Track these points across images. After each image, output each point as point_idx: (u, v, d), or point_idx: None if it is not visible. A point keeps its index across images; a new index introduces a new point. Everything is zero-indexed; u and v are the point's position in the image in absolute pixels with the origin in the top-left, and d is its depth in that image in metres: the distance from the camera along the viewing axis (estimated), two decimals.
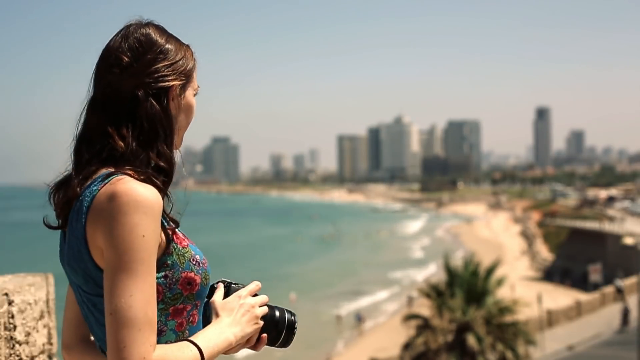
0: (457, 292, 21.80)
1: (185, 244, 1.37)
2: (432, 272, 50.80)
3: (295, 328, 1.53)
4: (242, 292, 1.48)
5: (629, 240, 45.02)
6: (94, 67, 1.42)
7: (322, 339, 32.34)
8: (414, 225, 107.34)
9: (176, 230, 1.37)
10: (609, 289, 36.96)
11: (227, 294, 1.48)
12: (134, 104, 1.35)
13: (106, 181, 1.28)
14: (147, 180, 1.31)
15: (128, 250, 1.22)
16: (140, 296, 1.22)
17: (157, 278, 1.29)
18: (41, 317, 2.35)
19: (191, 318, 1.38)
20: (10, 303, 2.16)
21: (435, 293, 22.32)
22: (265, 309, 1.49)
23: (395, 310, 39.55)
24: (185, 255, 1.35)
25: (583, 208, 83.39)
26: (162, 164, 1.36)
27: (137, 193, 1.24)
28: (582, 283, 44.77)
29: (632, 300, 32.61)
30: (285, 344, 1.53)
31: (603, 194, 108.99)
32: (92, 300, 1.32)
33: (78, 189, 1.32)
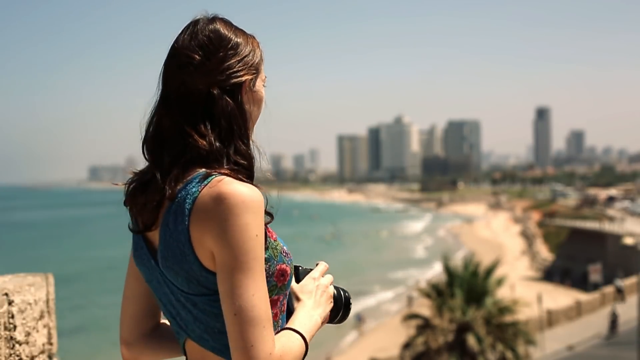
0: (457, 292, 21.79)
1: (275, 236, 1.41)
2: (436, 272, 50.79)
3: (351, 304, 1.59)
4: (315, 273, 1.54)
5: (629, 240, 45.03)
6: (161, 66, 1.42)
7: (322, 339, 32.33)
8: (416, 226, 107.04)
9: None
10: (609, 289, 36.94)
11: (296, 277, 1.53)
12: (209, 102, 1.36)
13: (205, 183, 1.29)
14: (244, 179, 1.33)
15: (243, 251, 1.25)
16: (260, 294, 1.27)
17: None
18: (41, 317, 2.34)
19: (283, 307, 1.43)
20: (10, 303, 2.16)
21: (436, 293, 22.33)
22: (333, 288, 1.56)
23: (396, 310, 39.55)
24: (277, 248, 1.39)
25: (583, 208, 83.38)
26: (241, 160, 1.38)
27: (244, 193, 1.27)
28: (582, 283, 44.74)
29: (632, 300, 32.60)
30: (342, 319, 1.58)
31: (603, 194, 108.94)
32: (193, 300, 1.34)
33: (172, 190, 1.32)
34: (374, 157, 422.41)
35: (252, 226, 1.26)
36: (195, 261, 1.30)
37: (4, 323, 2.13)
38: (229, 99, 1.37)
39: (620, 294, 36.38)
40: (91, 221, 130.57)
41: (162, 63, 1.43)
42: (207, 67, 1.37)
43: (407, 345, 21.78)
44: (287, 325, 1.39)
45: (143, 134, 1.43)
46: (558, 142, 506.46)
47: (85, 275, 56.45)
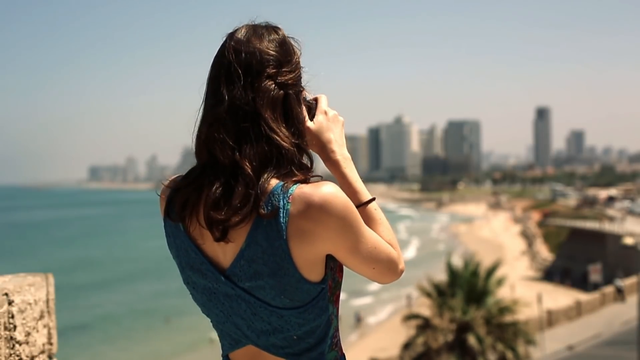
0: (457, 292, 21.79)
1: None
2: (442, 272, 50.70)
3: None
4: (324, 106, 1.54)
5: (629, 240, 45.01)
6: (230, 65, 1.37)
7: None
8: (425, 226, 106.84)
9: None
10: (609, 289, 36.95)
11: (308, 111, 1.52)
12: (286, 103, 1.39)
13: (290, 193, 1.30)
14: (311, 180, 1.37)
15: (356, 228, 1.35)
16: (377, 237, 1.41)
17: (329, 273, 1.39)
18: (41, 317, 2.34)
19: (339, 302, 1.47)
20: (10, 303, 2.15)
21: (436, 293, 22.32)
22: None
23: (396, 310, 39.53)
24: None
25: (583, 208, 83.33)
26: (306, 162, 1.41)
27: (331, 192, 1.31)
28: (582, 283, 44.78)
29: (632, 300, 32.59)
30: None
31: (603, 194, 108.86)
32: (279, 313, 1.35)
33: (264, 207, 1.29)
34: (374, 157, 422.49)
35: (352, 208, 1.33)
36: (295, 273, 1.31)
37: (4, 323, 2.13)
38: (299, 103, 1.43)
39: (620, 294, 36.39)
40: (92, 221, 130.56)
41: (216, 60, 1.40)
42: (287, 69, 1.40)
43: (407, 346, 21.77)
44: (355, 203, 1.44)
45: (201, 129, 1.38)
46: (558, 142, 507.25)
47: (85, 275, 56.41)
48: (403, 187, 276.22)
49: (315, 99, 1.54)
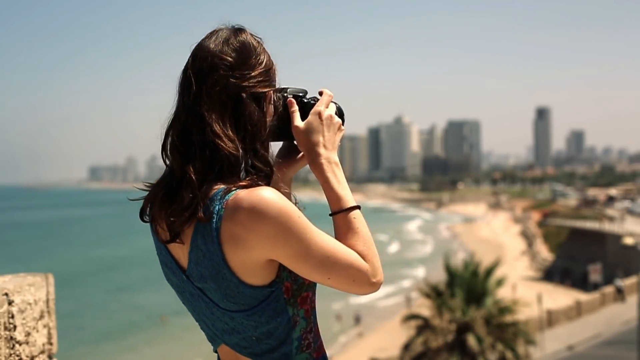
0: (457, 292, 21.79)
1: None
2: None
3: (344, 112, 1.58)
4: (320, 106, 1.50)
5: (629, 240, 45.04)
6: (186, 70, 1.41)
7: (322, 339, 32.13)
8: (435, 225, 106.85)
9: None
10: (609, 289, 36.94)
11: (302, 109, 1.50)
12: (238, 105, 1.37)
13: (227, 198, 1.30)
14: (262, 185, 1.35)
15: (296, 235, 1.30)
16: (334, 246, 1.34)
17: (284, 275, 1.36)
18: (41, 317, 2.34)
19: (313, 303, 1.44)
20: (10, 303, 2.16)
21: (435, 293, 22.31)
22: (334, 108, 1.53)
23: (395, 311, 39.51)
24: None
25: (583, 208, 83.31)
26: (262, 166, 1.39)
27: (268, 196, 1.28)
28: (582, 283, 44.78)
29: (632, 300, 32.58)
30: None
31: (603, 194, 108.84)
32: (230, 315, 1.36)
33: (203, 210, 1.30)
34: (374, 157, 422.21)
35: (290, 214, 1.29)
36: (232, 278, 1.31)
37: (4, 323, 2.13)
38: (256, 106, 1.39)
39: (620, 294, 36.38)
40: (92, 221, 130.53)
41: (183, 67, 1.43)
42: (240, 71, 1.38)
43: (407, 346, 21.77)
44: (334, 209, 1.43)
45: (164, 136, 1.41)
46: (558, 142, 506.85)
47: (85, 275, 56.41)
48: (403, 187, 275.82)
49: (317, 96, 1.53)
